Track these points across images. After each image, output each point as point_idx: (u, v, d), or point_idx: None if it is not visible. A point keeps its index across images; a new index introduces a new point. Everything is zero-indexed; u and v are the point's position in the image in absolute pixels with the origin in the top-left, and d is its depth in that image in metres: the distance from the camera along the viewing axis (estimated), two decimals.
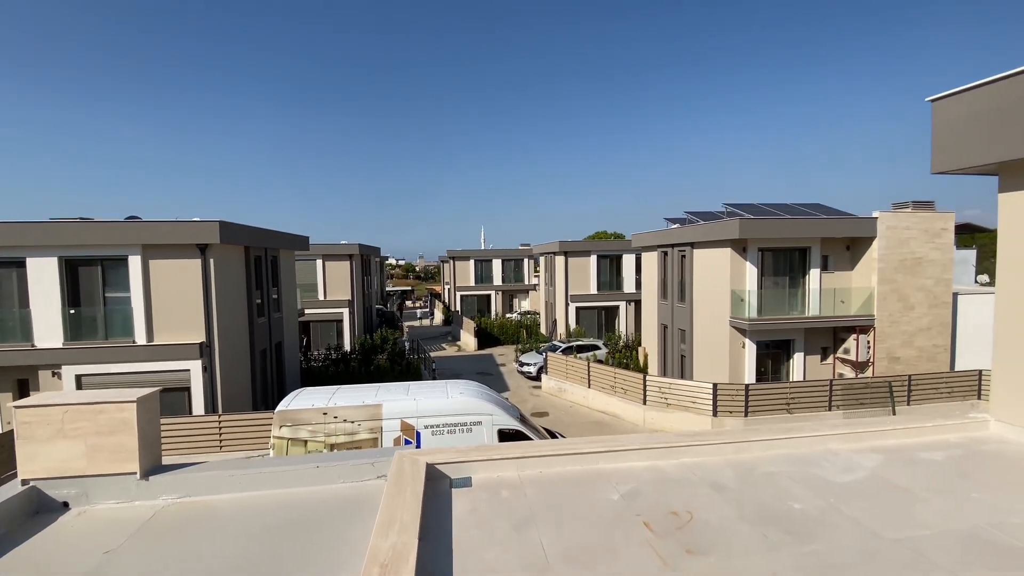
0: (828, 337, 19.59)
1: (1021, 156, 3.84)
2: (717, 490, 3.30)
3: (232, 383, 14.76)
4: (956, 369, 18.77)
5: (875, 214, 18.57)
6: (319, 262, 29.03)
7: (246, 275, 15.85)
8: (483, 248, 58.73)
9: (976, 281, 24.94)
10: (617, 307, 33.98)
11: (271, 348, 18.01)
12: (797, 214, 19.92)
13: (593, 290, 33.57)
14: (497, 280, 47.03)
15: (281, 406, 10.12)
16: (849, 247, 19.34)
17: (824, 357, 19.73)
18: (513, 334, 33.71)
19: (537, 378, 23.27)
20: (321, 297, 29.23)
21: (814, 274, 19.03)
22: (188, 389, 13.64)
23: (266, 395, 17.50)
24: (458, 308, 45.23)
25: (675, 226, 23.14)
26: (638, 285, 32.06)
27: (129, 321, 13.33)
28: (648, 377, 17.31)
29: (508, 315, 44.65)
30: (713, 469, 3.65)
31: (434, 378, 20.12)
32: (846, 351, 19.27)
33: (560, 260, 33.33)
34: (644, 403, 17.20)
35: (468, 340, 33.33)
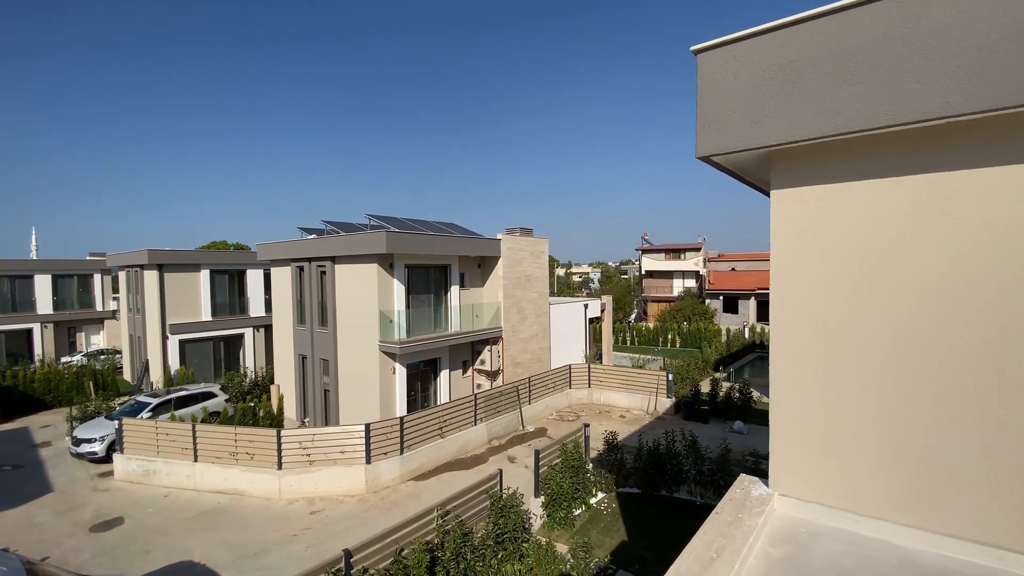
0: (467, 351, 20.45)
1: (798, 138, 2.72)
2: None
3: None
4: (552, 365, 22.90)
5: (499, 236, 20.59)
6: None
7: None
8: (33, 257, 38.49)
9: None
10: (242, 336, 27.39)
11: None
12: (438, 231, 20.06)
13: (206, 316, 25.89)
14: (45, 307, 31.08)
15: None
16: (480, 265, 20.81)
17: (465, 370, 20.49)
18: (70, 389, 21.97)
19: (108, 459, 15.11)
20: None
21: (454, 291, 19.46)
22: None
23: None
24: None
25: (311, 237, 19.74)
26: (269, 307, 26.70)
27: None
28: (284, 432, 13.22)
29: (67, 358, 29.93)
30: None
31: None
32: (482, 362, 20.57)
33: (152, 276, 24.16)
34: (279, 467, 13.01)
35: None
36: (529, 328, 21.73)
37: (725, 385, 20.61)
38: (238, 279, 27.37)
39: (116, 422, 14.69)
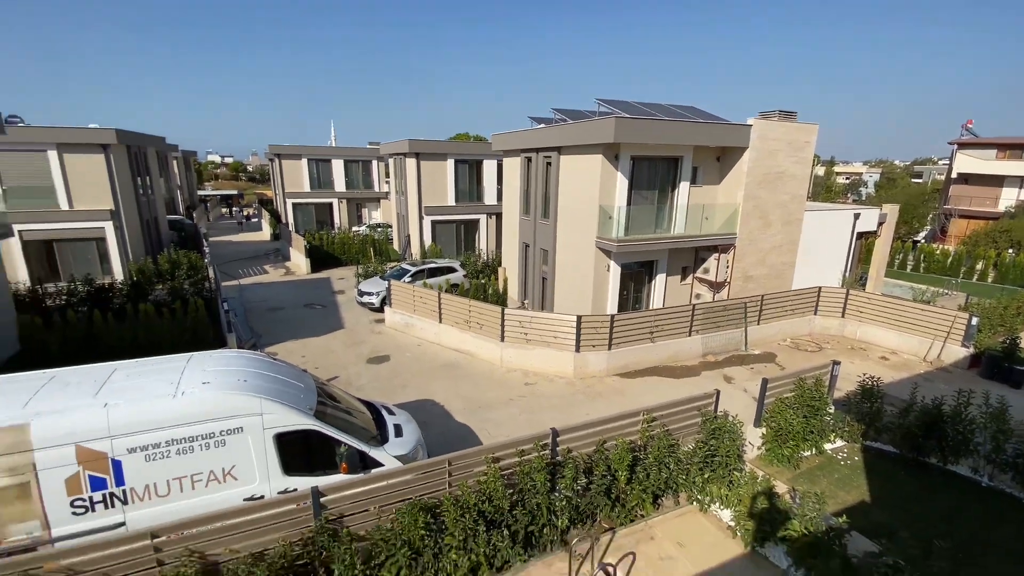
0: (690, 256, 18.65)
1: None
2: None
3: None
4: (795, 285, 19.36)
5: (749, 121, 17.08)
6: (52, 155, 19.97)
7: None
8: (332, 145, 49.59)
9: None
10: (477, 221, 30.59)
11: None
12: (674, 116, 17.65)
13: (451, 201, 29.47)
14: (340, 186, 39.94)
15: None
16: (719, 158, 17.90)
17: (684, 277, 18.91)
18: (357, 253, 28.54)
19: (381, 310, 19.35)
20: (65, 207, 20.61)
21: (683, 187, 17.37)
22: None
23: None
24: (290, 220, 37.74)
25: (541, 126, 19.64)
26: (500, 196, 28.78)
27: None
28: (507, 311, 14.51)
29: (355, 228, 38.68)
30: None
31: (229, 324, 14.97)
32: (706, 271, 18.62)
33: (412, 163, 28.18)
34: (502, 340, 14.55)
35: (299, 261, 27.43)
36: (772, 238, 18.41)
37: None
38: (476, 168, 29.91)
39: (387, 282, 18.39)
